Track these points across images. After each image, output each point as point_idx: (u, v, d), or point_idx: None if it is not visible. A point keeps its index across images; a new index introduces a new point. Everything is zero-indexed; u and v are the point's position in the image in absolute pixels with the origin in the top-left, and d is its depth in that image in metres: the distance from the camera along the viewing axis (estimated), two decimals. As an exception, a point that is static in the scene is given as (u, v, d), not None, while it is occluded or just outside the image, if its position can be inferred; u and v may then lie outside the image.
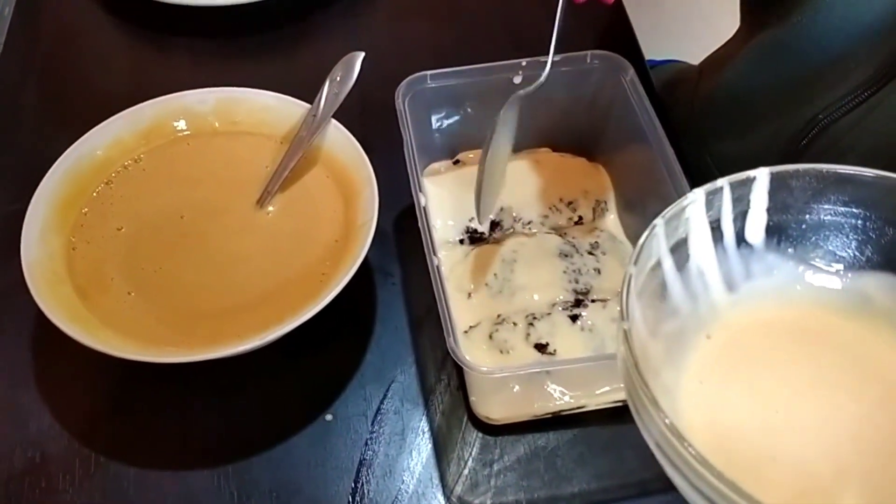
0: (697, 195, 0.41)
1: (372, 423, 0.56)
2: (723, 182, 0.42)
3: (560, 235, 0.62)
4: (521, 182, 0.65)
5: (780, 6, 0.62)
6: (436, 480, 0.54)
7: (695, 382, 0.41)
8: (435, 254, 0.53)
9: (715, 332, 0.43)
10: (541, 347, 0.56)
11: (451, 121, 0.66)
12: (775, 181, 0.42)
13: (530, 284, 0.59)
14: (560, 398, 0.55)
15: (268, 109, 0.64)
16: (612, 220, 0.64)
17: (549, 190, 0.64)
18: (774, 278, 0.44)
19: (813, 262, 0.44)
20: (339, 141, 0.61)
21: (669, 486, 0.51)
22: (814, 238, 0.44)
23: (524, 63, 0.62)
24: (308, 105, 0.64)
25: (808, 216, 0.44)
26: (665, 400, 0.38)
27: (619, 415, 0.56)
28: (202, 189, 0.62)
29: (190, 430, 0.56)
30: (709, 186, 0.41)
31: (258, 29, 0.82)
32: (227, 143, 0.64)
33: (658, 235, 0.40)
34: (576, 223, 0.64)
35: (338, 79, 0.63)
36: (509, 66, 0.62)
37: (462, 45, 0.82)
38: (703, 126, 0.72)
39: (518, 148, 0.68)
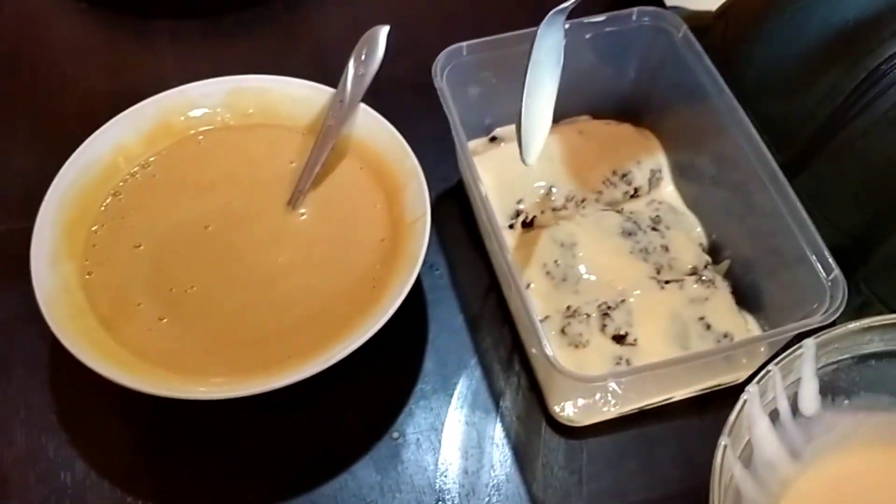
0: (752, 392, 0.41)
1: (443, 437, 0.51)
2: (773, 368, 0.42)
3: (617, 212, 0.58)
4: (568, 156, 0.60)
5: None
6: (523, 494, 0.49)
7: None
8: (507, 248, 0.47)
9: None
10: (619, 339, 0.52)
11: (484, 95, 0.60)
12: (821, 347, 0.42)
13: (597, 270, 0.54)
14: (648, 394, 0.50)
15: (285, 97, 0.58)
16: (669, 190, 0.60)
17: (599, 163, 0.59)
18: (835, 433, 0.44)
19: (869, 409, 0.44)
20: (373, 128, 0.55)
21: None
22: (866, 385, 0.44)
23: (567, 26, 0.56)
24: (328, 89, 0.58)
25: (856, 368, 0.44)
26: None
27: (708, 402, 0.52)
28: (223, 193, 0.55)
29: (242, 464, 0.51)
30: (760, 379, 0.41)
31: (244, 5, 0.75)
32: (242, 138, 0.58)
33: (728, 454, 0.40)
34: (631, 196, 0.59)
35: (362, 58, 0.57)
36: (550, 31, 0.57)
37: (469, 10, 0.75)
38: (742, 79, 0.67)
39: (556, 117, 0.63)
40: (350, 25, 0.71)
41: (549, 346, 0.44)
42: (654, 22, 0.57)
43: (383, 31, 0.57)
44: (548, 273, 0.55)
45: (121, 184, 0.55)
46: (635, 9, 0.57)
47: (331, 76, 0.59)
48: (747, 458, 0.42)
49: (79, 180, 0.53)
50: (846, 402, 0.44)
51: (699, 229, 0.58)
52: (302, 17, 0.75)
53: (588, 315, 0.52)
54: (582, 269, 0.54)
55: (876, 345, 0.43)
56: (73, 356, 0.46)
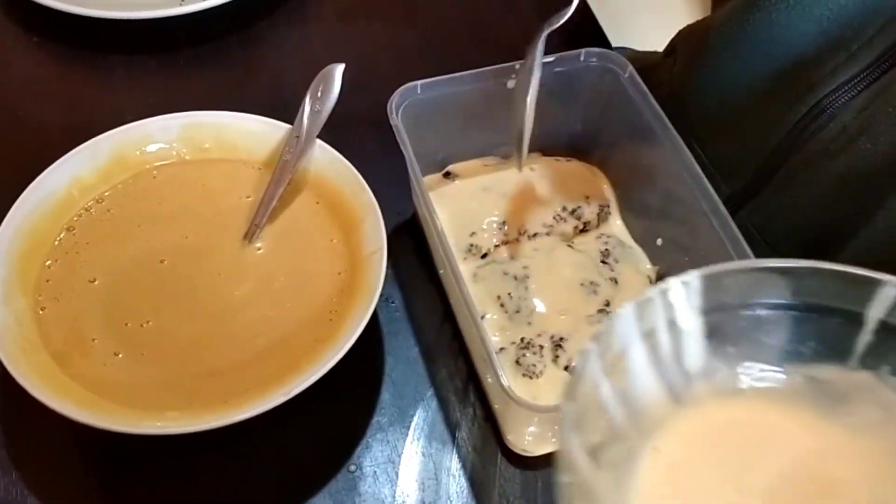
0: (627, 310, 0.38)
1: (400, 470, 0.52)
2: (653, 293, 0.39)
3: (568, 246, 0.59)
4: (520, 192, 0.61)
5: None
6: (479, 525, 0.50)
7: (648, 500, 0.39)
8: (463, 281, 0.49)
9: (662, 444, 0.40)
10: (572, 369, 0.53)
11: (438, 131, 0.61)
12: (707, 282, 0.40)
13: (548, 302, 0.56)
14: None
15: (241, 133, 0.59)
16: (617, 225, 0.62)
17: (550, 198, 0.61)
18: (717, 380, 0.42)
19: (754, 359, 0.42)
20: (329, 163, 0.56)
21: None
22: (753, 334, 0.42)
23: (518, 66, 0.59)
24: (284, 125, 0.59)
25: (745, 313, 0.41)
26: None
27: (657, 431, 0.54)
28: (179, 227, 0.55)
29: (199, 499, 0.50)
30: (639, 299, 0.39)
31: (199, 40, 0.76)
32: (198, 173, 0.58)
33: (592, 360, 0.37)
34: (581, 231, 0.61)
35: (318, 94, 0.58)
36: (503, 71, 0.59)
37: (424, 47, 0.77)
38: (690, 114, 0.69)
39: (508, 154, 0.65)
40: (305, 62, 0.72)
41: (505, 377, 0.45)
42: (602, 63, 0.60)
43: (339, 69, 0.59)
44: (502, 305, 0.56)
45: (75, 218, 0.55)
46: (583, 50, 0.59)
47: (287, 112, 0.60)
48: (619, 381, 0.39)
49: (32, 214, 0.53)
50: (731, 349, 0.41)
51: (647, 264, 0.60)
52: (257, 53, 0.76)
53: (541, 346, 0.54)
54: (534, 301, 0.56)
55: (767, 292, 0.40)
56: (25, 392, 0.46)
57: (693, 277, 0.39)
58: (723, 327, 0.41)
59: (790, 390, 0.42)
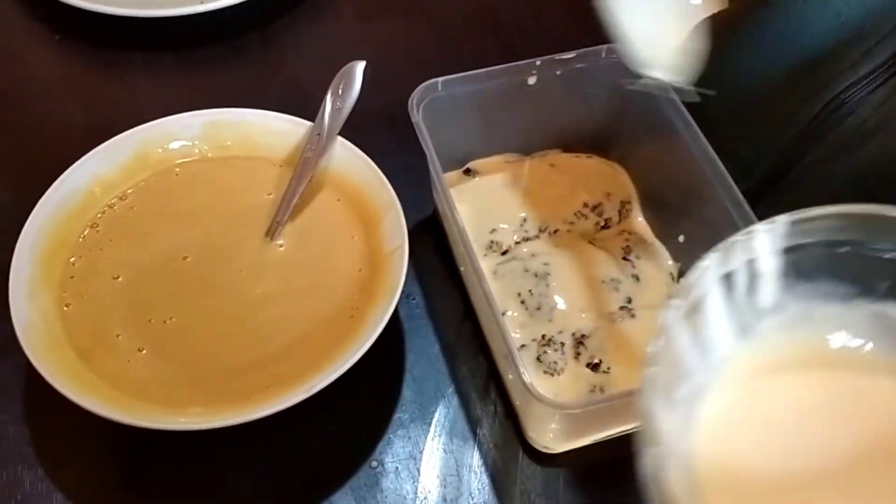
0: (712, 260, 0.38)
1: (422, 466, 0.52)
2: (737, 238, 0.39)
3: (590, 242, 0.59)
4: (540, 188, 0.61)
5: None
6: (501, 522, 0.50)
7: (710, 438, 0.39)
8: (484, 277, 0.49)
9: (729, 380, 0.40)
10: (594, 367, 0.53)
11: (458, 128, 0.61)
12: (793, 227, 0.40)
13: (570, 299, 0.56)
14: (622, 421, 0.51)
15: (263, 130, 0.59)
16: (639, 222, 0.61)
17: (570, 194, 0.61)
18: (785, 316, 0.42)
19: (825, 294, 0.42)
20: (350, 160, 0.56)
21: None
22: (826, 271, 0.41)
23: (538, 63, 0.59)
24: (305, 122, 0.59)
25: (822, 251, 0.41)
26: (680, 470, 0.36)
27: (680, 429, 0.53)
28: (202, 225, 0.56)
29: (221, 495, 0.51)
30: (723, 245, 0.39)
31: (220, 39, 0.76)
32: (219, 170, 0.58)
33: (675, 319, 0.37)
34: (602, 227, 0.61)
35: (339, 92, 0.58)
36: (523, 67, 0.58)
37: (441, 44, 0.77)
38: (704, 110, 0.69)
39: (527, 150, 0.65)
40: (324, 60, 0.72)
41: (526, 374, 0.45)
42: (623, 59, 0.59)
43: (360, 67, 0.59)
44: (522, 302, 0.56)
45: (99, 215, 0.55)
46: (605, 46, 0.59)
47: (306, 110, 0.60)
48: (695, 327, 0.39)
49: (56, 212, 0.54)
50: (805, 285, 0.41)
51: (669, 260, 0.59)
52: (277, 51, 0.76)
53: (562, 343, 0.54)
54: (555, 298, 0.56)
55: (848, 235, 0.41)
56: (50, 388, 0.46)
57: (780, 224, 0.39)
58: (798, 265, 0.41)
59: (857, 326, 0.42)
